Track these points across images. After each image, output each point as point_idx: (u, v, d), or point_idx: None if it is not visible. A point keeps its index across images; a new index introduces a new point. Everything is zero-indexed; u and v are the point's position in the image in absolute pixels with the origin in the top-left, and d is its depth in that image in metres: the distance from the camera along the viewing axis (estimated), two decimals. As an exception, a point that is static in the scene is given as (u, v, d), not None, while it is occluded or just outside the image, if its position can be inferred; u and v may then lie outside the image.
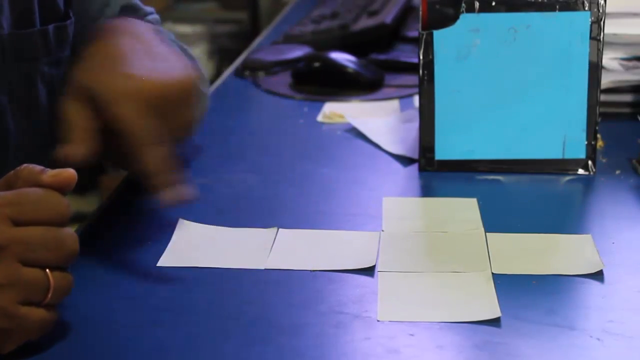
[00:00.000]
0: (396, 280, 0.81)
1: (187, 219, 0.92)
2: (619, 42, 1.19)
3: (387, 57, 1.45)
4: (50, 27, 0.94)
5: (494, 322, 0.74)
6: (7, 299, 0.66)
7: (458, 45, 1.02)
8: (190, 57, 1.07)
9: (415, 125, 1.10)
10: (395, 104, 1.31)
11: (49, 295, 0.67)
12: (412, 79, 1.23)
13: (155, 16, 1.14)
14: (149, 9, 1.13)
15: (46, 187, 0.68)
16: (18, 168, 0.70)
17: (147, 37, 0.90)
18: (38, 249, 0.67)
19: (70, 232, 0.69)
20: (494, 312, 0.74)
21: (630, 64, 1.19)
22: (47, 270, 0.67)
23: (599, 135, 1.04)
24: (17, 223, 0.67)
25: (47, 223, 0.68)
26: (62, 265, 0.69)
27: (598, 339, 0.71)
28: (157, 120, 0.81)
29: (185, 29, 3.87)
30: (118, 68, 0.83)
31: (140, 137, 0.80)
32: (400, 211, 0.95)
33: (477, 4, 1.01)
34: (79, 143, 0.80)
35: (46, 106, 0.97)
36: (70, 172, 0.70)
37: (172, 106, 0.84)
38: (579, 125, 1.03)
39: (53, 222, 0.68)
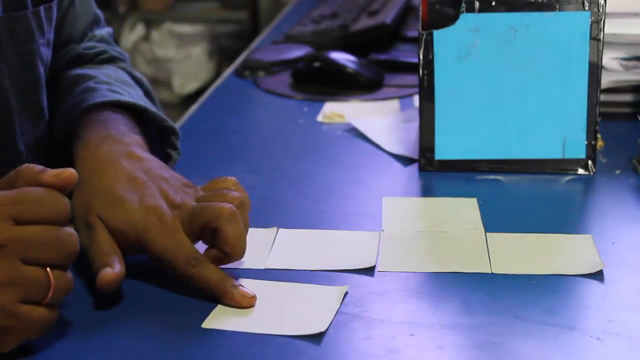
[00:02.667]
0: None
1: (187, 219, 0.92)
2: (619, 42, 1.19)
3: (387, 57, 1.45)
4: (41, 8, 0.94)
5: (494, 322, 0.74)
6: (8, 297, 0.66)
7: (458, 45, 1.02)
8: (150, 97, 1.03)
9: (415, 125, 1.10)
10: (395, 104, 1.31)
11: (50, 294, 0.67)
12: (412, 79, 1.23)
13: (125, 54, 1.10)
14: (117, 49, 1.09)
15: (47, 187, 0.69)
16: (18, 168, 0.70)
17: (138, 154, 0.86)
18: (39, 247, 0.67)
19: (70, 232, 0.69)
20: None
21: (630, 64, 1.19)
22: (48, 269, 0.67)
23: (599, 135, 1.05)
24: (18, 222, 0.67)
25: (47, 222, 0.68)
26: (63, 264, 0.69)
27: (598, 339, 0.71)
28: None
29: (185, 29, 3.88)
30: (127, 199, 0.80)
31: (186, 264, 0.78)
32: (400, 211, 0.95)
33: (477, 4, 1.01)
34: (117, 266, 0.77)
35: (44, 85, 0.97)
36: (71, 172, 0.70)
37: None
38: (579, 125, 1.03)
39: (54, 221, 0.68)
